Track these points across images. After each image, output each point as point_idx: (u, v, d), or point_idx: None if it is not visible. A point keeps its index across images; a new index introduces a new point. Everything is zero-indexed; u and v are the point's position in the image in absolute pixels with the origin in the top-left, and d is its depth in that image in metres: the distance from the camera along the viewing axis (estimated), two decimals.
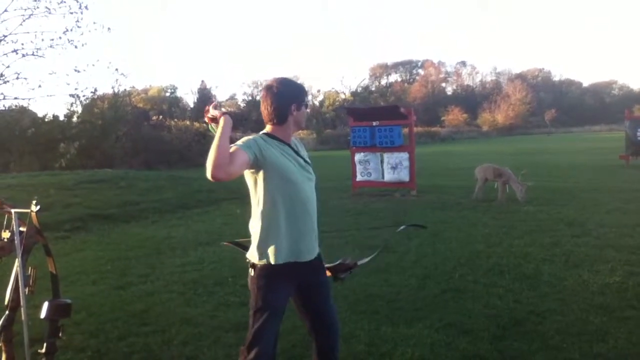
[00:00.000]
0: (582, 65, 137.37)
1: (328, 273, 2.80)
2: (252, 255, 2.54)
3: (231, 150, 2.32)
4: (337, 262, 2.78)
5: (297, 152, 2.61)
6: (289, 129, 2.60)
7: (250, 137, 2.47)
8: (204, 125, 33.07)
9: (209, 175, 2.25)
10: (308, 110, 2.71)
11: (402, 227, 2.64)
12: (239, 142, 2.41)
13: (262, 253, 2.50)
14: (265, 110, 2.58)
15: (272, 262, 2.48)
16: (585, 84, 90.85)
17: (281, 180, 2.48)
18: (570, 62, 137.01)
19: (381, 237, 7.31)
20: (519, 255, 6.12)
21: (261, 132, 2.60)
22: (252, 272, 2.53)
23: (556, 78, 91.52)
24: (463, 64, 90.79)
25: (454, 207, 10.06)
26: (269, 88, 2.58)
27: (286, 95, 2.56)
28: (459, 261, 5.94)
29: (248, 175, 2.51)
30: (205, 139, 28.26)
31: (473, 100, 77.62)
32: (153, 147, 25.08)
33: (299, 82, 2.77)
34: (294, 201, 2.51)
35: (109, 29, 27.11)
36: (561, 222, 8.10)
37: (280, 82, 2.61)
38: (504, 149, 33.51)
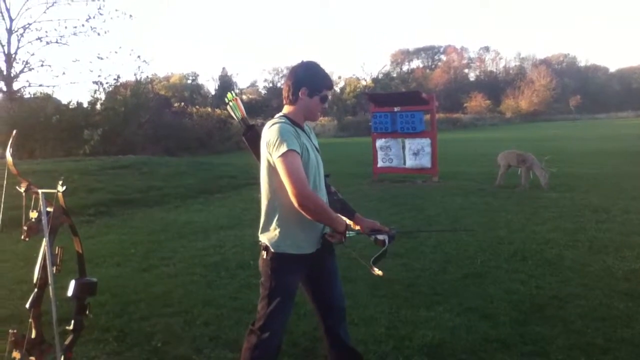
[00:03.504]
0: (609, 50, 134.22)
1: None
2: (268, 242, 2.54)
3: (299, 165, 2.38)
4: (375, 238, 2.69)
5: (310, 139, 2.62)
6: (299, 113, 2.58)
7: (279, 126, 2.43)
8: (225, 111, 33.25)
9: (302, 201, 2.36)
10: (324, 105, 2.61)
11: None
12: (287, 142, 2.37)
13: (277, 243, 2.51)
14: (284, 87, 2.61)
15: (290, 252, 2.51)
16: (612, 69, 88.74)
17: (306, 170, 2.48)
18: (596, 47, 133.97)
19: (402, 224, 7.30)
20: (542, 241, 6.06)
21: (279, 115, 2.59)
22: (264, 254, 2.55)
23: (582, 63, 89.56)
24: (486, 49, 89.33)
25: (476, 193, 9.98)
26: (292, 68, 2.62)
27: (299, 77, 2.55)
28: (480, 246, 5.91)
29: (266, 160, 2.48)
30: (226, 125, 28.42)
31: (496, 86, 76.47)
32: (175, 134, 25.23)
33: (328, 74, 2.66)
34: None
35: (130, 16, 27.28)
36: (585, 208, 7.99)
37: (304, 64, 2.62)
38: (528, 135, 33.05)
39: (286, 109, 2.60)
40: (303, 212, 2.39)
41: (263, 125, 2.59)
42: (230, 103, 2.94)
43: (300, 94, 2.54)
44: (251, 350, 2.54)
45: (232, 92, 3.07)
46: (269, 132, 2.46)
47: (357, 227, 2.68)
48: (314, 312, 2.78)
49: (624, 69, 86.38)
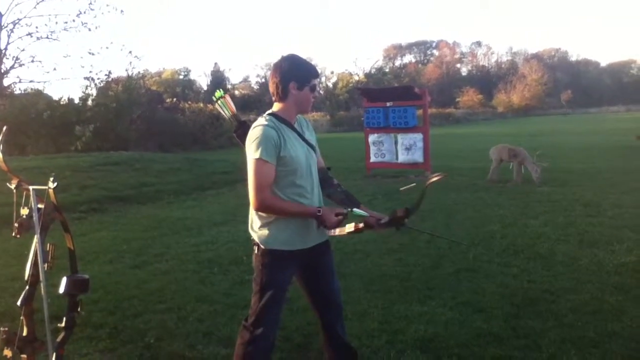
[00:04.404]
0: (600, 44, 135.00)
1: (380, 228, 2.61)
2: (256, 237, 2.56)
3: (264, 173, 2.42)
4: (390, 218, 2.65)
5: (301, 135, 2.60)
6: (290, 108, 2.56)
7: (261, 129, 2.43)
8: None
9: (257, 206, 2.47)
10: (314, 94, 2.59)
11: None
12: (261, 149, 2.39)
13: (267, 240, 2.52)
14: (270, 85, 2.58)
15: (277, 248, 2.52)
16: (603, 63, 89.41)
17: (289, 170, 2.49)
18: (588, 42, 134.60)
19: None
20: (534, 236, 6.10)
21: (267, 113, 2.57)
22: (256, 250, 2.56)
23: (573, 58, 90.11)
24: (478, 44, 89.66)
25: (468, 188, 10.01)
26: (276, 64, 2.58)
27: (287, 71, 2.52)
28: (473, 241, 5.93)
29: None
30: (219, 121, 28.31)
31: (488, 81, 76.71)
32: (167, 130, 25.10)
33: (311, 63, 2.66)
34: (299, 190, 2.53)
35: (121, 11, 27.05)
36: (577, 202, 8.03)
37: (286, 58, 2.58)
38: (520, 130, 33.15)
39: (276, 106, 2.59)
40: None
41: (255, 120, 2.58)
42: (219, 101, 2.91)
43: (290, 88, 2.52)
44: (244, 346, 2.54)
45: (221, 89, 3.04)
46: (251, 133, 2.48)
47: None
48: (311, 307, 2.79)
49: (614, 63, 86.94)
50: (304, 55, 2.64)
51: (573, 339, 3.40)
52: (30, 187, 2.50)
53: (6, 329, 2.56)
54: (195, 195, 10.45)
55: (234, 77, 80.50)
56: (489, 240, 6.00)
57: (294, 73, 2.52)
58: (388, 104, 12.25)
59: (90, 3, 25.46)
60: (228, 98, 2.92)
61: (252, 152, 2.43)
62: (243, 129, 2.80)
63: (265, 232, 2.52)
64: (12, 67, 26.06)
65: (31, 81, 26.30)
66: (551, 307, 3.96)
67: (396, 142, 12.40)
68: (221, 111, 2.94)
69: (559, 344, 3.34)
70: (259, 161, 2.40)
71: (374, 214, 2.65)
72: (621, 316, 3.74)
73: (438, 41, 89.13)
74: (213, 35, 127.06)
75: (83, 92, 23.58)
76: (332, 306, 2.75)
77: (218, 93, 2.93)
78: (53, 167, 11.60)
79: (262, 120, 2.50)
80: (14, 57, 25.87)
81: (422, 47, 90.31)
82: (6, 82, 26.02)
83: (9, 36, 25.89)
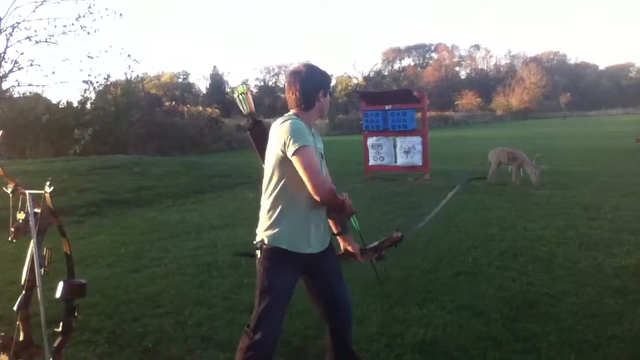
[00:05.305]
0: (598, 47, 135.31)
1: (361, 258, 2.83)
2: (265, 235, 2.54)
3: (314, 160, 2.38)
4: (383, 239, 2.76)
5: (315, 144, 2.59)
6: (313, 116, 2.58)
7: (293, 121, 2.42)
8: (217, 110, 33.09)
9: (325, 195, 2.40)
10: (330, 99, 2.67)
11: (457, 187, 2.67)
12: (301, 138, 2.36)
13: (273, 237, 2.50)
14: (292, 95, 2.54)
15: (282, 247, 2.50)
16: (602, 67, 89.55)
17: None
18: (586, 45, 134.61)
19: (395, 222, 7.29)
20: (533, 239, 6.08)
21: (291, 113, 2.55)
22: (259, 253, 2.55)
23: (572, 61, 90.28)
24: (477, 47, 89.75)
25: (467, 190, 9.98)
26: (297, 73, 2.55)
27: (314, 80, 2.54)
28: (472, 244, 5.92)
29: (276, 156, 2.45)
30: (217, 124, 28.32)
31: (487, 84, 76.86)
32: (166, 133, 25.11)
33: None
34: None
35: (120, 14, 27.02)
36: (576, 205, 8.02)
37: (308, 67, 2.58)
38: (519, 133, 33.18)
39: (297, 111, 2.56)
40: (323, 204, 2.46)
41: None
42: (240, 96, 2.94)
43: (319, 97, 2.55)
44: (244, 351, 2.52)
45: (244, 85, 3.10)
46: (282, 128, 2.42)
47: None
48: (321, 316, 2.77)
49: (613, 66, 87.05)
50: (303, 58, 2.66)
51: (573, 343, 3.39)
52: (27, 192, 2.49)
53: (2, 334, 2.55)
54: (194, 199, 10.43)
55: (232, 81, 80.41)
56: (488, 243, 5.98)
57: (321, 81, 2.57)
58: (387, 107, 12.25)
59: (90, 7, 25.42)
60: (249, 95, 2.96)
61: (293, 145, 2.35)
62: (258, 128, 2.82)
63: (273, 229, 2.50)
64: (11, 71, 26.00)
65: (30, 85, 26.22)
66: (551, 311, 3.95)
67: (395, 145, 12.39)
68: (240, 106, 2.97)
69: (558, 348, 3.33)
70: (304, 149, 2.35)
71: (355, 246, 2.82)
72: (621, 319, 3.73)
73: (437, 44, 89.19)
74: (212, 39, 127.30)
75: (82, 95, 23.51)
76: (344, 312, 2.73)
77: (241, 88, 2.97)
78: (52, 171, 11.59)
79: (289, 116, 2.49)
80: (12, 60, 25.81)
81: (421, 50, 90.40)
82: (5, 85, 25.95)
83: (7, 40, 25.85)
